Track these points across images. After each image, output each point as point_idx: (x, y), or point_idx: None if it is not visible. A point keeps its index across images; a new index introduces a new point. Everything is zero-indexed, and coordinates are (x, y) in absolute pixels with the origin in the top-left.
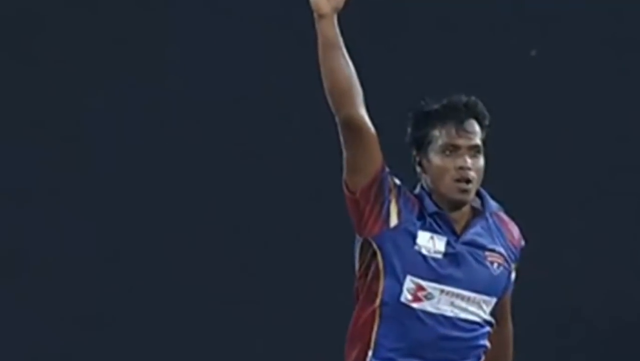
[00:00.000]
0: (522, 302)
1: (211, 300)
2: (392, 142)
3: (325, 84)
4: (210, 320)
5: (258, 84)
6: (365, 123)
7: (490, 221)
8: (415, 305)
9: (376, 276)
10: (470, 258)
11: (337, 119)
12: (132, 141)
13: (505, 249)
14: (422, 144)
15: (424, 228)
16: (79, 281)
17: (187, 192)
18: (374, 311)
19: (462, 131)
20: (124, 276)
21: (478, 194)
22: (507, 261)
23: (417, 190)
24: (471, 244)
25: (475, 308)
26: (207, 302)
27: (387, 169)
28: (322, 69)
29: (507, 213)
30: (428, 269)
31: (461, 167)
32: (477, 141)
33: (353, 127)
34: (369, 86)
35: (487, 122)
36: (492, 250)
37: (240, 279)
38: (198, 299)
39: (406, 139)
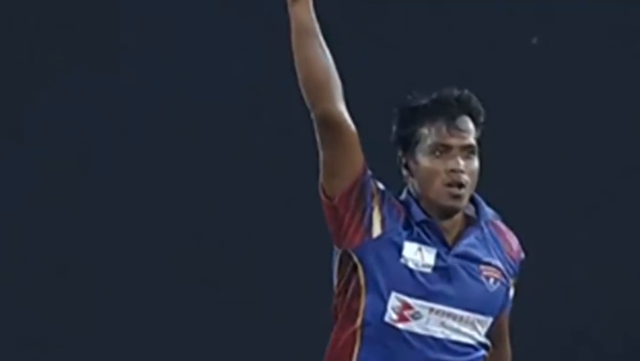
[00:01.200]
0: (521, 322)
1: (210, 300)
2: (375, 142)
3: (300, 76)
4: (210, 320)
5: (222, 71)
6: (344, 120)
7: (486, 230)
8: (401, 325)
9: (357, 293)
10: (463, 273)
11: (312, 115)
12: (83, 137)
13: (503, 263)
14: (408, 143)
15: (411, 238)
16: (71, 282)
17: (150, 187)
18: (354, 332)
19: (454, 129)
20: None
21: (472, 200)
22: (504, 276)
23: (403, 196)
24: (464, 256)
25: (468, 328)
26: (206, 302)
27: (369, 172)
28: (296, 59)
29: (504, 221)
30: (415, 285)
31: (453, 170)
32: (471, 140)
33: (331, 124)
34: (349, 77)
35: (482, 119)
36: (488, 263)
37: (238, 279)
38: (196, 299)
39: (391, 138)
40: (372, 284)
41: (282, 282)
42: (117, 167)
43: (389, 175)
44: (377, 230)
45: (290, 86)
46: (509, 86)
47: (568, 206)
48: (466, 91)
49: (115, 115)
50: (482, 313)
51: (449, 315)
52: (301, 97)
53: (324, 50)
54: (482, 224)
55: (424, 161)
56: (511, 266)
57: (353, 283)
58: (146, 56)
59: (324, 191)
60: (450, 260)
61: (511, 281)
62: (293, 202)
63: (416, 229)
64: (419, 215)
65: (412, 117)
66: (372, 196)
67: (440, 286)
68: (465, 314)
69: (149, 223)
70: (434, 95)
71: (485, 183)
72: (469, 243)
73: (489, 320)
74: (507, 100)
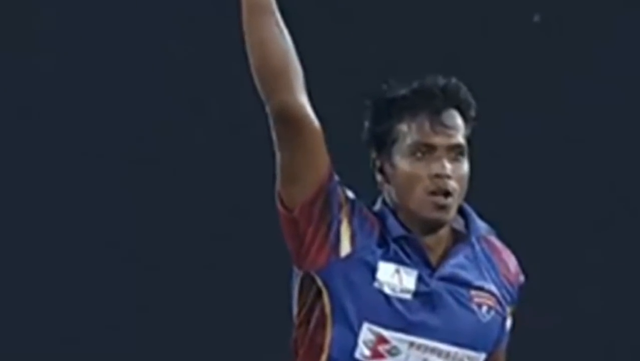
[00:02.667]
0: (522, 358)
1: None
2: (344, 141)
3: (253, 61)
4: (200, 321)
5: (156, 54)
6: (306, 114)
7: (478, 248)
8: None
9: (321, 324)
10: (450, 299)
11: (267, 108)
12: None
13: (498, 288)
14: (384, 143)
15: (387, 257)
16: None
17: (66, 175)
18: None
19: (439, 125)
20: None
21: (461, 212)
22: (500, 304)
23: (378, 206)
24: (451, 280)
25: None
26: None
27: (336, 178)
28: (249, 41)
29: (500, 237)
30: (392, 314)
31: (437, 175)
32: (459, 138)
33: (290, 119)
34: (313, 64)
35: (472, 113)
36: (480, 288)
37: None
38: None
39: (363, 136)
40: (340, 313)
41: (220, 316)
42: (32, 159)
43: (361, 181)
44: (345, 248)
45: (241, 74)
46: (506, 73)
47: (577, 219)
48: (454, 80)
49: (31, 102)
50: (473, 348)
51: (432, 350)
52: (254, 87)
53: (281, 31)
54: (473, 240)
55: (402, 164)
56: (508, 292)
57: (317, 312)
58: (67, 37)
59: (281, 201)
60: (435, 284)
61: (508, 309)
62: (242, 214)
63: (393, 246)
64: (396, 230)
65: (389, 111)
66: (340, 207)
67: (422, 316)
68: (452, 349)
69: (50, 218)
70: (415, 84)
71: (477, 190)
72: (457, 264)
73: (481, 356)
74: (504, 90)
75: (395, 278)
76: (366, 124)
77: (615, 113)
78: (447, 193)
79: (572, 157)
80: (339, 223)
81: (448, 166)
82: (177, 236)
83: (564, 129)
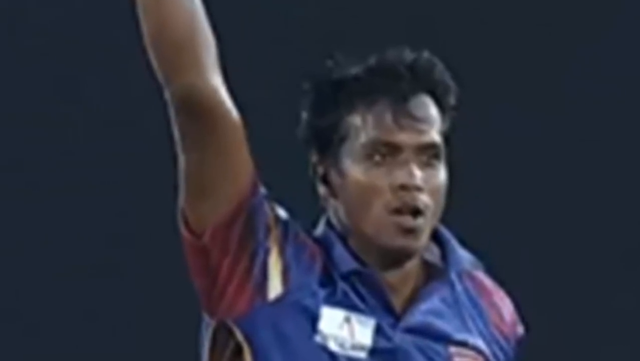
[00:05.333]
0: None
1: None
2: (273, 140)
3: (146, 29)
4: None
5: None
6: (220, 102)
7: (459, 288)
8: None
9: None
10: (420, 359)
11: (167, 94)
12: None
13: (488, 342)
14: (329, 142)
15: (333, 301)
16: None
17: None
18: None
19: (406, 117)
20: None
21: (436, 237)
22: None
23: (321, 230)
24: (423, 332)
25: None
26: None
27: (262, 191)
28: (141, 3)
29: (490, 273)
30: None
31: (403, 187)
32: (434, 136)
33: (198, 109)
34: (230, 32)
35: (451, 100)
36: (463, 344)
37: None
38: None
39: (299, 133)
40: None
41: None
42: None
43: (297, 195)
44: (275, 288)
45: (130, 46)
46: (496, 44)
47: (600, 250)
48: (425, 54)
49: None
50: None
51: None
52: (148, 65)
53: None
54: (453, 277)
55: (354, 171)
56: (501, 349)
57: None
58: None
59: (186, 222)
60: (400, 338)
61: None
62: (125, 241)
63: (341, 285)
64: (346, 263)
65: (335, 98)
66: (268, 231)
67: None
68: None
69: None
70: (372, 60)
71: (458, 208)
72: (430, 310)
73: None
74: (496, 68)
75: (345, 330)
76: (304, 115)
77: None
78: (416, 211)
79: (584, 163)
80: (266, 253)
81: (418, 174)
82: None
83: (576, 123)
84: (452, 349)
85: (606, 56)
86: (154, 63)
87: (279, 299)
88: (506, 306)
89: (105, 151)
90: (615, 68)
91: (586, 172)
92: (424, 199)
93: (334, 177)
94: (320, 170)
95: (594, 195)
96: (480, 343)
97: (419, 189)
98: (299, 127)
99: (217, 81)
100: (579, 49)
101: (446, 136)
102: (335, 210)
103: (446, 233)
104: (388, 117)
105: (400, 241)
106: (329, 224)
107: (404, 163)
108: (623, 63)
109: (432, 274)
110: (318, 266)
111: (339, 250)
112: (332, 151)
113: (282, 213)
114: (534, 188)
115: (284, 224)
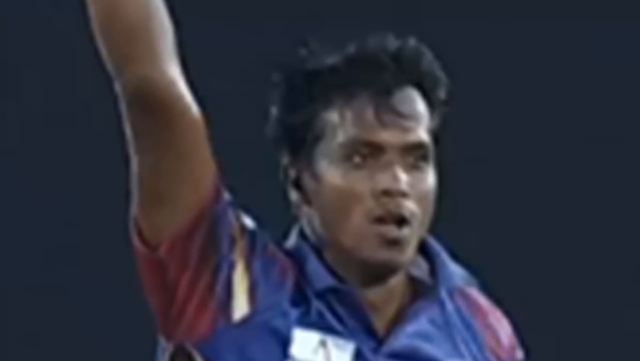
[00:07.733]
0: None
1: None
2: (238, 139)
3: (95, 13)
4: None
5: None
6: (178, 96)
7: (450, 308)
8: None
9: None
10: None
11: (117, 87)
12: None
13: None
14: (302, 142)
15: (307, 322)
16: None
17: None
18: None
19: (389, 113)
20: None
21: (424, 250)
22: None
23: (293, 241)
24: (409, 357)
25: None
26: None
27: (226, 197)
28: None
29: (485, 291)
30: None
31: (387, 192)
32: (421, 135)
33: (153, 103)
34: (190, 16)
35: (441, 93)
36: None
37: None
38: None
39: (269, 131)
40: None
41: None
42: None
43: (266, 202)
44: (241, 307)
45: (75, 31)
46: (491, 32)
47: (609, 265)
48: (412, 42)
49: None
50: None
51: None
52: (97, 52)
53: None
54: (443, 295)
55: (331, 174)
56: None
57: None
58: None
59: (139, 233)
60: None
61: None
62: (67, 258)
63: (316, 304)
64: (321, 278)
65: (310, 92)
66: (233, 243)
67: None
68: None
69: None
70: (351, 49)
71: (450, 217)
72: (417, 332)
73: None
74: (488, 58)
75: (320, 355)
76: (273, 111)
77: None
78: (401, 220)
79: (604, 169)
80: (231, 267)
81: (403, 178)
82: None
83: (586, 119)
84: None
85: (606, 56)
86: (103, 51)
87: (245, 320)
88: (503, 328)
89: (46, 150)
90: (615, 68)
91: (592, 184)
92: (410, 206)
93: (307, 181)
94: (292, 173)
95: (601, 211)
96: None
97: (404, 195)
98: (268, 125)
99: (174, 72)
100: (578, 43)
101: (435, 135)
102: (309, 219)
103: (435, 245)
104: (369, 114)
105: (383, 254)
106: (302, 234)
107: (388, 166)
108: (623, 63)
109: (420, 291)
110: (289, 283)
111: (313, 264)
112: (306, 152)
113: (248, 222)
114: (534, 194)
115: (251, 235)
